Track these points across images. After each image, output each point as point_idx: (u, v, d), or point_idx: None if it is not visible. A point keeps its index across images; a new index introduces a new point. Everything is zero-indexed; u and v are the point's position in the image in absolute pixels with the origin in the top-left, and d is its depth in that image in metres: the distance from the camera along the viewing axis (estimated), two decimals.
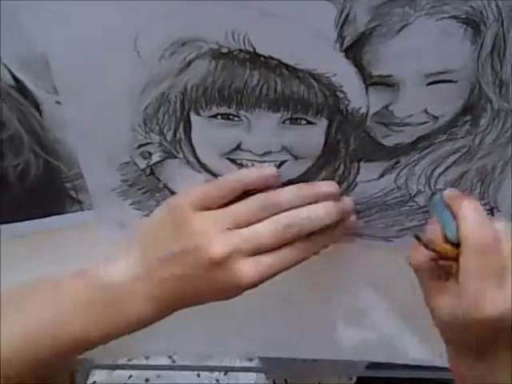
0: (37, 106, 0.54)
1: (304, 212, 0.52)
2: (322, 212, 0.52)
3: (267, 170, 0.54)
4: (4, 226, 0.60)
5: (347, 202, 0.56)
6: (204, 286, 0.51)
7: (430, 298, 0.52)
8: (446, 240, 0.50)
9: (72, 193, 0.59)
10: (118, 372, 0.82)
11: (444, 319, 0.50)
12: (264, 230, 0.50)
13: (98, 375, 0.83)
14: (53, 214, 0.61)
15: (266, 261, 0.50)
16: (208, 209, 0.52)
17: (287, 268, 0.52)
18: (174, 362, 0.82)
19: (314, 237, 0.53)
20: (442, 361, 0.57)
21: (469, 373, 0.52)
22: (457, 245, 0.49)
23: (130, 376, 0.82)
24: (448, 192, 0.54)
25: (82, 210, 0.61)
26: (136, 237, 0.54)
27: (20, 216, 0.60)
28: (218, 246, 0.49)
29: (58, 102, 0.53)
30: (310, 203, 0.53)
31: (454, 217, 0.50)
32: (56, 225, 0.61)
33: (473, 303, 0.47)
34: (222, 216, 0.51)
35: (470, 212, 0.49)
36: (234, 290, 0.51)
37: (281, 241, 0.51)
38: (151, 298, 0.51)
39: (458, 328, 0.49)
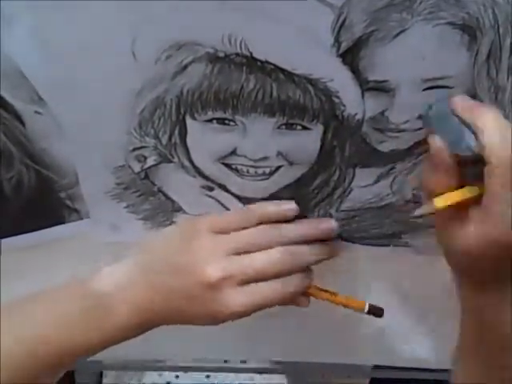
0: (19, 118, 0.54)
1: (302, 249, 0.54)
2: (318, 251, 0.55)
3: (287, 206, 0.56)
4: (6, 240, 0.60)
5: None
6: (189, 304, 0.51)
7: (449, 228, 0.48)
8: (458, 155, 0.46)
9: (68, 202, 0.59)
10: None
11: (464, 249, 0.46)
12: (261, 260, 0.52)
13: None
14: (53, 225, 0.61)
15: (255, 293, 0.51)
16: (221, 233, 0.53)
17: (276, 304, 0.53)
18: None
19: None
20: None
21: (472, 304, 0.51)
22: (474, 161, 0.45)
23: None
24: (459, 99, 0.47)
25: (82, 218, 0.61)
26: (139, 245, 0.55)
27: (21, 229, 0.60)
28: (216, 269, 0.50)
29: (37, 112, 0.53)
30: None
31: (470, 128, 0.45)
32: (57, 235, 0.61)
33: (500, 227, 0.44)
34: (228, 241, 0.53)
35: (493, 123, 0.43)
36: (217, 315, 0.51)
37: (275, 273, 0.52)
38: (136, 306, 0.51)
39: (474, 257, 0.46)
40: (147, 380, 0.82)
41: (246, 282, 0.51)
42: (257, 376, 0.88)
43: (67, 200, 0.59)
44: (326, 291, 0.57)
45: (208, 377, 0.82)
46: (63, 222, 0.61)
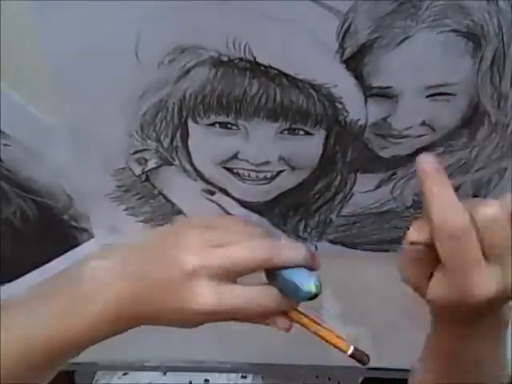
0: None
1: (284, 244, 0.53)
2: (298, 249, 0.52)
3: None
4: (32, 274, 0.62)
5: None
6: (165, 293, 0.50)
7: (419, 279, 0.48)
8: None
9: (73, 223, 0.60)
10: None
11: (434, 300, 0.47)
12: (239, 250, 0.50)
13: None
14: (69, 249, 0.62)
15: (227, 293, 0.50)
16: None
17: (247, 312, 0.51)
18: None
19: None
20: None
21: (453, 337, 0.51)
22: None
23: None
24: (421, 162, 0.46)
25: (93, 236, 0.62)
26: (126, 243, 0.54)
27: (41, 260, 0.62)
28: (194, 257, 0.49)
29: (5, 145, 0.54)
30: None
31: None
32: (77, 258, 0.62)
33: (459, 289, 0.45)
34: (212, 234, 0.52)
35: (438, 195, 0.45)
36: (187, 308, 0.50)
37: (254, 261, 0.50)
38: (112, 296, 0.50)
39: (447, 306, 0.47)
40: (144, 380, 0.82)
41: (224, 275, 0.50)
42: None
43: (72, 221, 0.60)
44: (311, 318, 0.53)
45: (207, 381, 0.82)
46: (78, 244, 0.62)
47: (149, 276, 0.51)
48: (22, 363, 0.51)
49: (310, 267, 0.52)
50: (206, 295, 0.49)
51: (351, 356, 0.50)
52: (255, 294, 0.51)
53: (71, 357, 0.53)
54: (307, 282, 0.50)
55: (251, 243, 0.51)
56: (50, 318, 0.51)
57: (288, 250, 0.52)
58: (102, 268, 0.52)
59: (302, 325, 0.53)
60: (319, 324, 0.52)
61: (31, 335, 0.51)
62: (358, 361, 0.50)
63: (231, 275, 0.50)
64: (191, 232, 0.52)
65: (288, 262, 0.51)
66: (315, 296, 0.50)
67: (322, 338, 0.52)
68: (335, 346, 0.51)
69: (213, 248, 0.51)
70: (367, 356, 0.50)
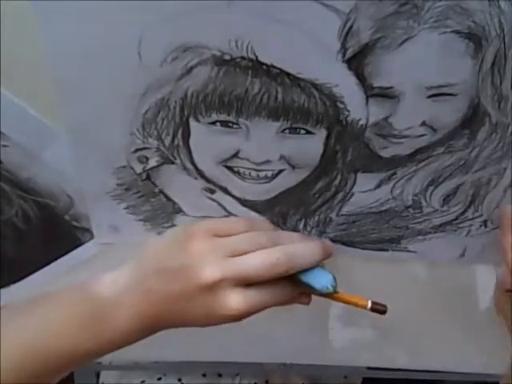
0: None
1: (298, 249, 0.52)
2: (312, 250, 0.52)
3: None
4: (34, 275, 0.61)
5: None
6: (188, 307, 0.51)
7: None
8: None
9: (75, 223, 0.60)
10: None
11: None
12: (257, 261, 0.50)
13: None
14: (72, 249, 0.62)
15: (254, 295, 0.50)
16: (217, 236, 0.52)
17: (275, 305, 0.52)
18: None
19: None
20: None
21: None
22: None
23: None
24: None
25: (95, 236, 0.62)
26: (139, 250, 0.54)
27: (44, 260, 0.62)
28: (213, 270, 0.49)
29: (4, 146, 0.54)
30: None
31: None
32: (79, 259, 0.62)
33: None
34: (225, 243, 0.51)
35: None
36: (217, 317, 0.51)
37: (272, 273, 0.50)
38: (135, 312, 0.50)
39: None
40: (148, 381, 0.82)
41: (244, 283, 0.50)
42: None
43: (73, 221, 0.60)
44: None
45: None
46: (80, 244, 0.62)
47: (166, 289, 0.51)
48: (22, 364, 0.50)
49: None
50: (233, 302, 0.50)
51: (371, 309, 0.53)
52: (279, 291, 0.52)
53: (80, 364, 0.53)
54: (324, 284, 0.51)
55: (266, 255, 0.51)
56: (56, 322, 0.50)
57: (303, 255, 0.52)
58: (117, 282, 0.52)
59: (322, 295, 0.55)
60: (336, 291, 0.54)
61: (33, 337, 0.50)
62: (378, 312, 0.53)
63: (251, 282, 0.50)
64: (198, 238, 0.52)
65: (304, 268, 0.51)
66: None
67: (341, 301, 0.54)
68: (355, 304, 0.53)
69: (227, 258, 0.50)
70: (384, 306, 0.53)
